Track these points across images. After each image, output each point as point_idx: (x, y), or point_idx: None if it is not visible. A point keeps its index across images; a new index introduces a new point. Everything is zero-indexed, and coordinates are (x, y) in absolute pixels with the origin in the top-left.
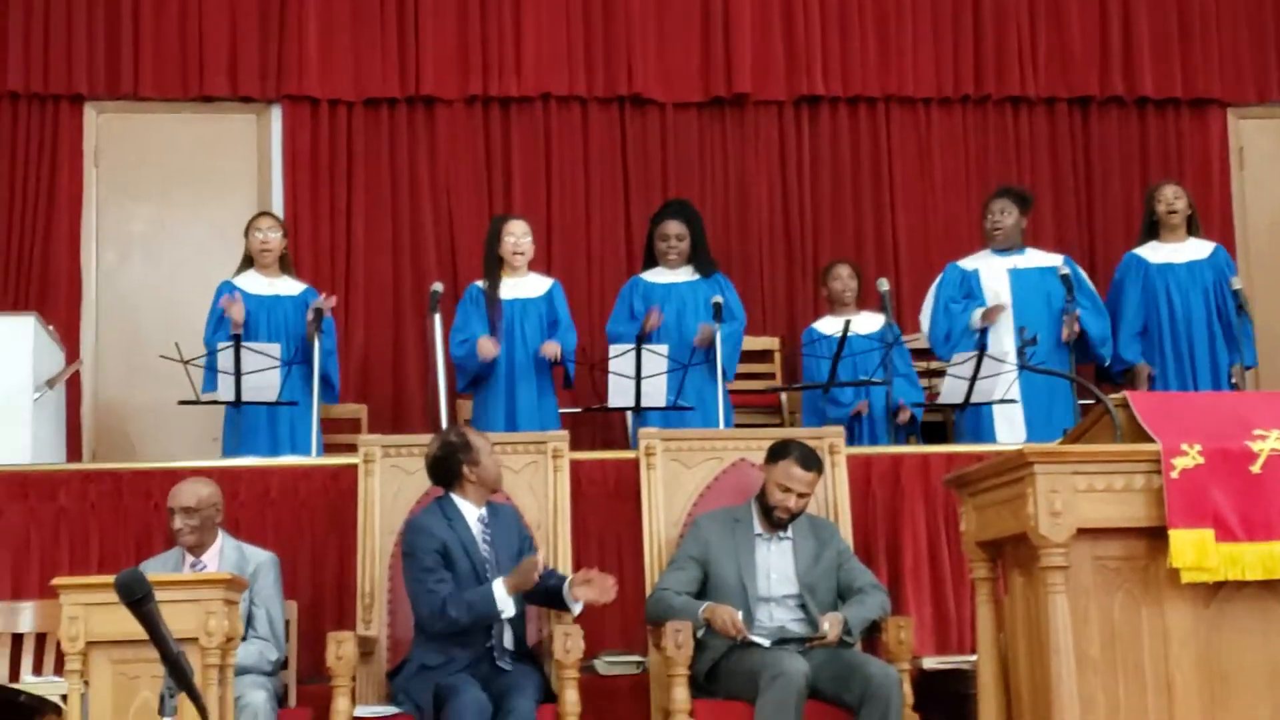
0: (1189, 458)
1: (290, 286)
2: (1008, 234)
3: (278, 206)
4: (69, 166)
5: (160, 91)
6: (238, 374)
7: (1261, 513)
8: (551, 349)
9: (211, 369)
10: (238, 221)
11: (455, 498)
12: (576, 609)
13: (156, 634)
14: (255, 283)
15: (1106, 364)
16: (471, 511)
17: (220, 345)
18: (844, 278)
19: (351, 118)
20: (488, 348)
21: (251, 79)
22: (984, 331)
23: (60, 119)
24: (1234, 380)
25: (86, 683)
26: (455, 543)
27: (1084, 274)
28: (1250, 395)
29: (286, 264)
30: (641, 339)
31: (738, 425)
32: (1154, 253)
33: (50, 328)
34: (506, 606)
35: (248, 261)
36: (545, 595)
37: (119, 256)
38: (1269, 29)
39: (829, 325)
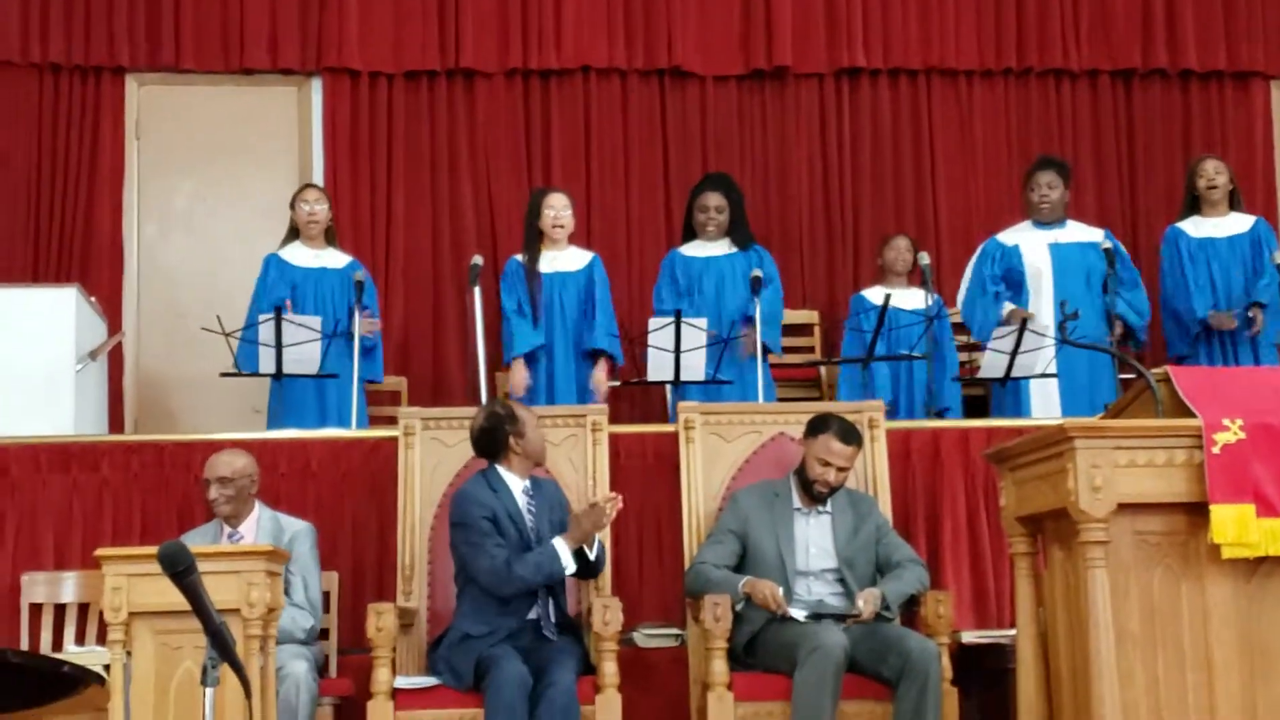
0: (1230, 433)
1: (336, 259)
2: (1055, 207)
3: (318, 179)
4: (110, 139)
5: (201, 64)
6: (279, 346)
7: None
8: (601, 377)
9: (250, 341)
10: (278, 194)
11: (500, 469)
12: (593, 553)
13: (199, 605)
14: (301, 254)
15: (1141, 344)
16: (516, 483)
17: (261, 317)
18: (900, 249)
19: (392, 90)
20: (519, 381)
21: (292, 51)
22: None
23: (101, 91)
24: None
25: (129, 653)
26: (502, 512)
27: (1125, 251)
28: None
29: (332, 236)
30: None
31: (783, 399)
32: (1195, 227)
33: (92, 299)
34: (570, 563)
35: (293, 233)
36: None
37: (160, 229)
38: None
39: (878, 295)
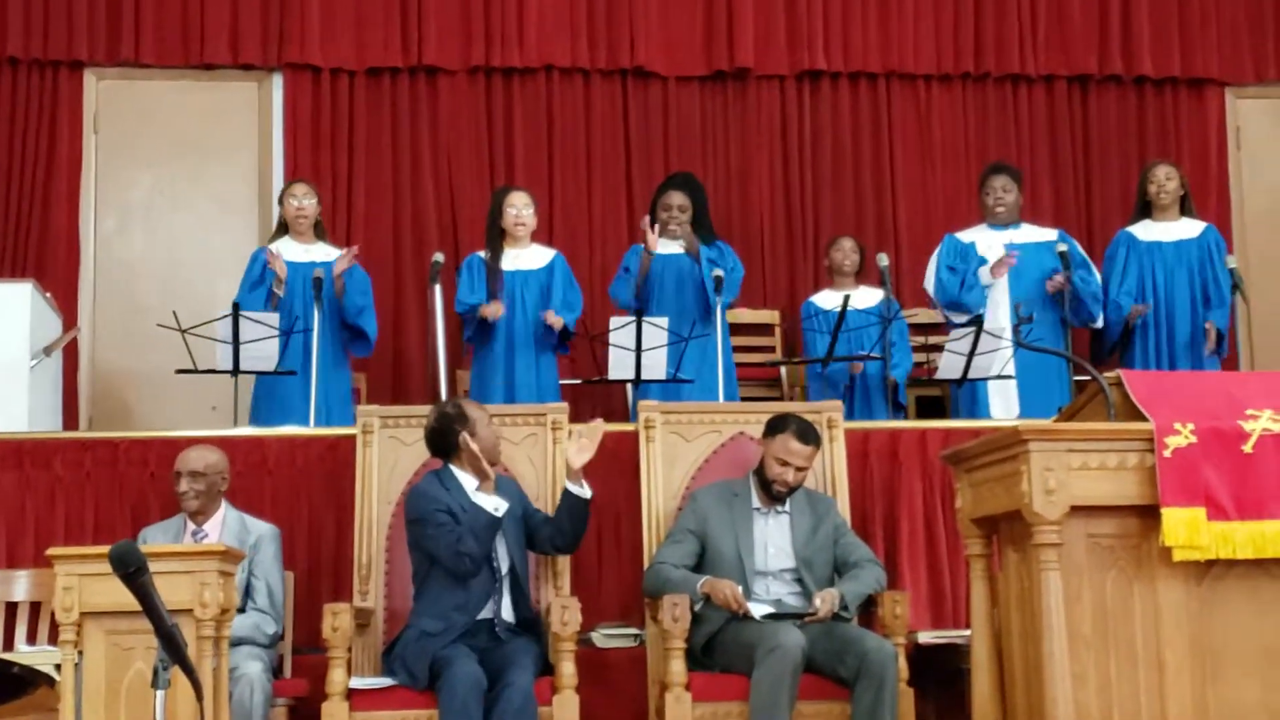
0: (1182, 436)
1: (326, 253)
2: (1010, 210)
3: (278, 175)
4: (68, 133)
5: (161, 58)
6: (235, 343)
7: (1253, 492)
8: (554, 319)
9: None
10: (238, 189)
11: (453, 469)
12: (586, 491)
13: (150, 606)
14: (290, 249)
15: (1097, 323)
16: (470, 482)
17: (219, 314)
18: (846, 250)
19: (353, 87)
20: (492, 309)
21: (253, 47)
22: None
23: (60, 85)
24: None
25: (80, 653)
26: (457, 509)
27: (1078, 244)
28: (1242, 375)
29: (321, 230)
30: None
31: (745, 398)
32: (1145, 231)
33: (48, 295)
34: (496, 504)
35: (282, 229)
36: (553, 525)
37: (118, 223)
38: (1267, 9)
39: (827, 299)
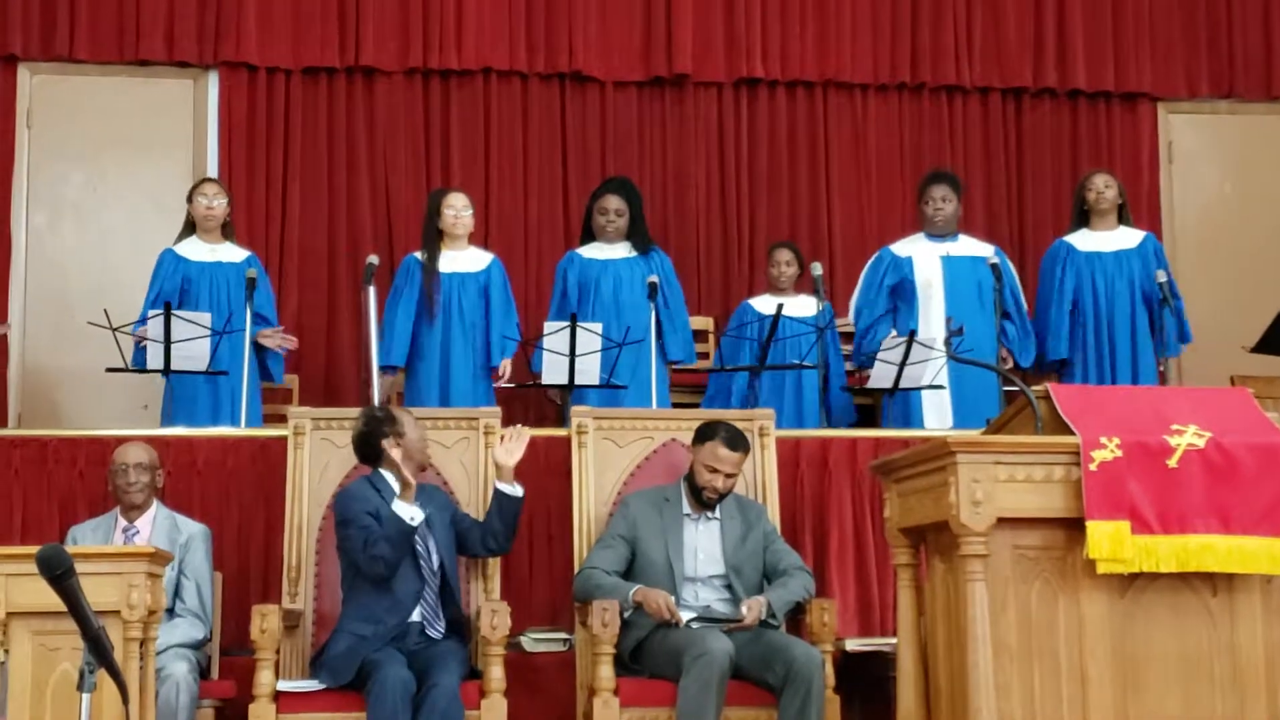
0: (1107, 450)
1: (233, 253)
2: (948, 220)
3: (213, 173)
4: (0, 127)
5: (95, 54)
6: (167, 342)
7: (1176, 506)
8: (505, 370)
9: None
10: (172, 187)
11: (384, 474)
12: (518, 489)
13: (77, 609)
14: (197, 249)
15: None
16: (398, 488)
17: (151, 313)
18: (780, 263)
19: (290, 86)
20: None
21: (189, 44)
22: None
23: None
24: (1161, 369)
25: (6, 653)
26: (387, 513)
27: (1014, 274)
28: (1169, 390)
29: (229, 231)
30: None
31: (678, 404)
32: (1083, 240)
33: None
34: (413, 513)
35: (189, 228)
36: (484, 527)
37: (50, 220)
38: (1200, 25)
39: (765, 304)
